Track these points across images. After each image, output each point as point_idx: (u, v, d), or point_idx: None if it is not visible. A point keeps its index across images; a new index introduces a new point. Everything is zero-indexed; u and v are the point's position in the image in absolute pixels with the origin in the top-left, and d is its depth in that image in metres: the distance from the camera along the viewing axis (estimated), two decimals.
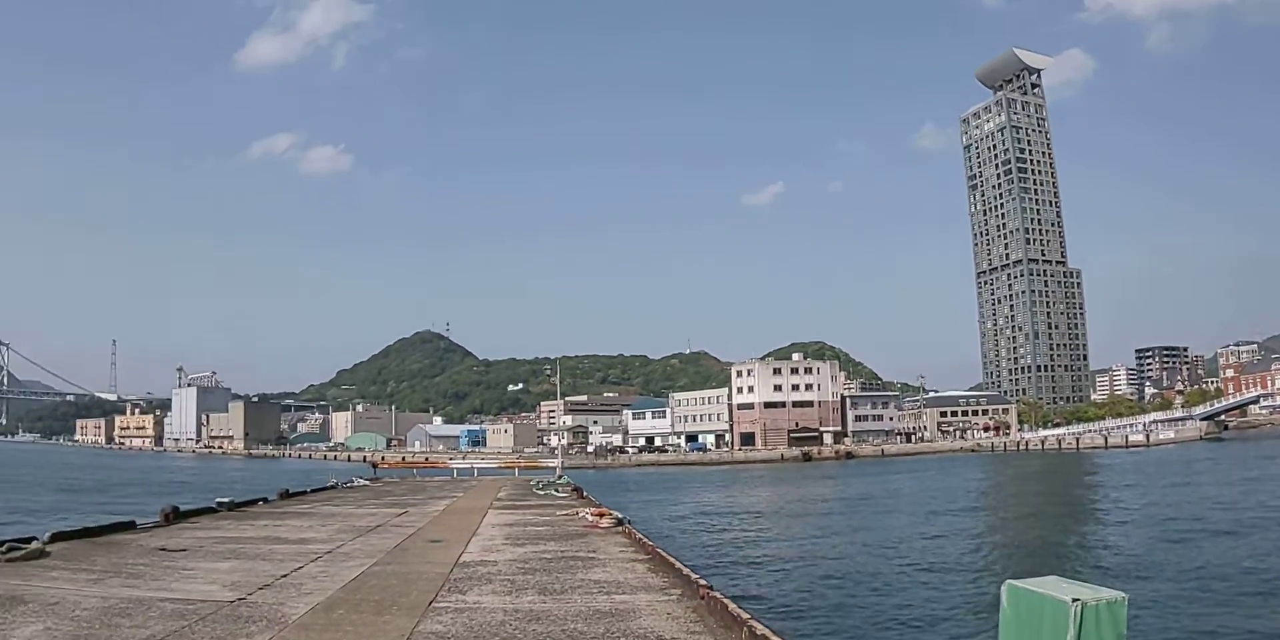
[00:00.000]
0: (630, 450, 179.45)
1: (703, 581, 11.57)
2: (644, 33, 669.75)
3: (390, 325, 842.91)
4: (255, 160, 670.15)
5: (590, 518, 22.05)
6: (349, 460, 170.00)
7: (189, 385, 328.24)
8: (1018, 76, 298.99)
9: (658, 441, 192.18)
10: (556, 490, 37.51)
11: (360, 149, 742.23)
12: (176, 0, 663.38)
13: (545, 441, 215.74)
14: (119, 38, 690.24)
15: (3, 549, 13.95)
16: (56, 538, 16.37)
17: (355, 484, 44.73)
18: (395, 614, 10.29)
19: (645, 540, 16.98)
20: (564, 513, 24.88)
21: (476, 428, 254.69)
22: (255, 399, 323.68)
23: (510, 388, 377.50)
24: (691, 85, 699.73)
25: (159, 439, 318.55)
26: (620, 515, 21.80)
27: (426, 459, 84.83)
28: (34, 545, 14.62)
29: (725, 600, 10.06)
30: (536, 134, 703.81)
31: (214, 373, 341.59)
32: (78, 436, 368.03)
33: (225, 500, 26.01)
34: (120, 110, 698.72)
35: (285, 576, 13.07)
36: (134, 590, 11.57)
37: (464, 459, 79.08)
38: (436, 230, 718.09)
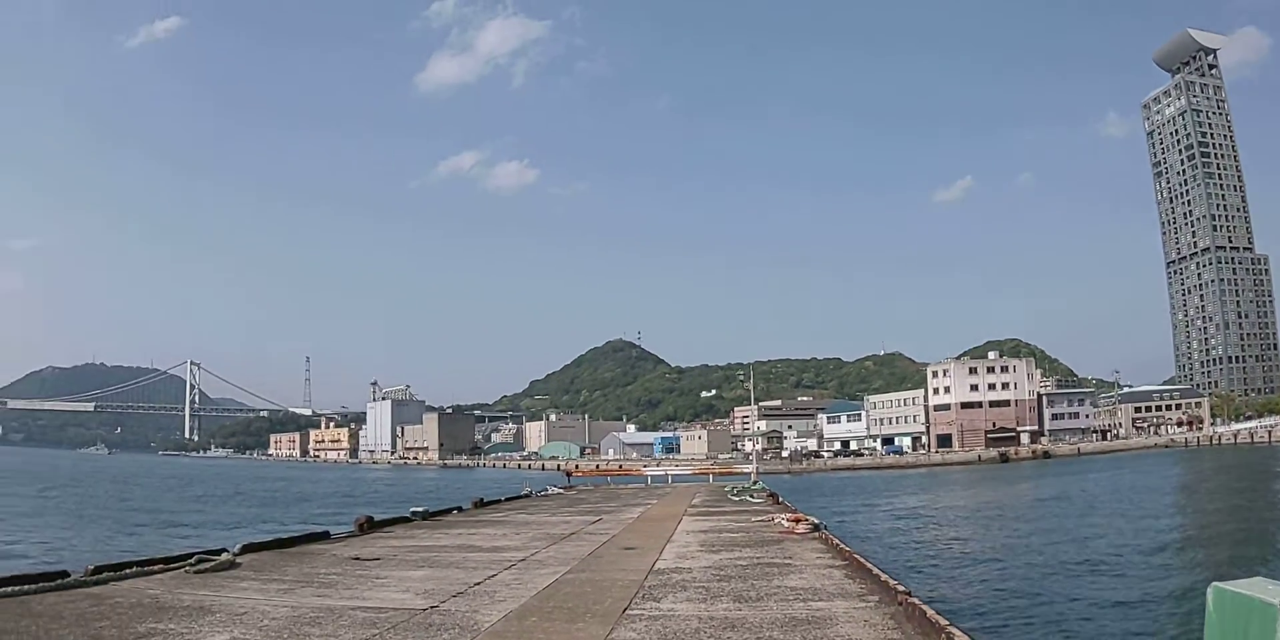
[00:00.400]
0: (825, 454, 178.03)
1: (901, 587, 10.80)
2: (821, 45, 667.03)
3: (581, 335, 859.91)
4: (443, 179, 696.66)
5: (786, 523, 21.13)
6: (543, 469, 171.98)
7: (383, 398, 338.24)
8: (1194, 58, 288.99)
9: (853, 445, 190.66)
10: (752, 496, 36.61)
11: (545, 163, 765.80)
12: (356, 28, 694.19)
13: (739, 447, 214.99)
14: (305, 76, 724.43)
15: (192, 561, 13.84)
16: (248, 549, 16.30)
17: (549, 492, 44.78)
18: (589, 621, 9.79)
19: (842, 545, 16.07)
20: (759, 519, 24.03)
21: (670, 435, 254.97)
22: (449, 410, 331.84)
23: (703, 394, 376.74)
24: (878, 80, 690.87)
25: (354, 451, 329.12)
26: (816, 520, 20.90)
27: (620, 466, 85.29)
28: (224, 556, 14.49)
29: (923, 606, 9.34)
30: (719, 142, 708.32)
31: (408, 386, 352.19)
32: (271, 451, 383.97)
33: (419, 509, 26.05)
34: (311, 143, 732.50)
35: (478, 584, 12.71)
36: (324, 599, 11.32)
37: (658, 466, 78.91)
38: (623, 239, 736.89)
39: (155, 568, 13.40)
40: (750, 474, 57.89)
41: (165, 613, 10.17)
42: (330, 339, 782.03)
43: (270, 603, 10.99)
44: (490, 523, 25.20)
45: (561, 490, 47.28)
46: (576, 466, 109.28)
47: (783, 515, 23.39)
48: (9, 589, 10.78)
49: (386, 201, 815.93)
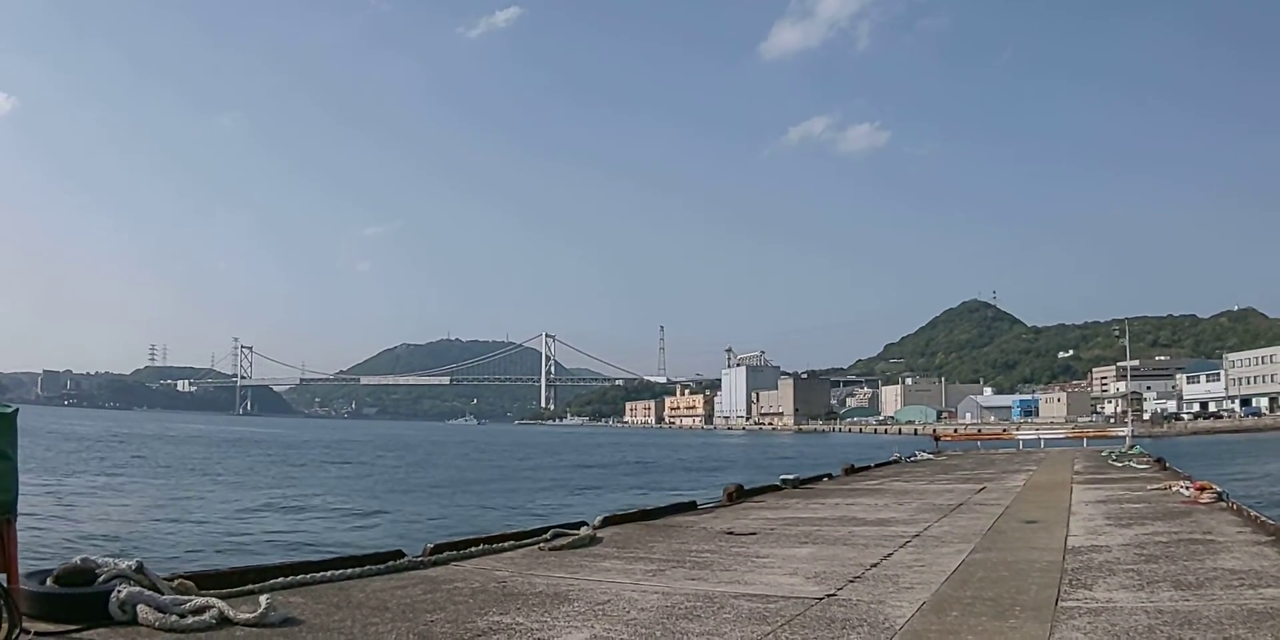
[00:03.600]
0: (1185, 417, 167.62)
1: None
2: None
3: (937, 296, 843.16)
4: (794, 146, 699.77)
5: (1187, 492, 18.56)
6: (899, 433, 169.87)
7: (738, 365, 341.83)
8: None
9: (1211, 407, 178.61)
10: (1134, 462, 33.51)
11: (897, 124, 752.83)
12: (692, 3, 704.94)
13: (1098, 410, 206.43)
14: (643, 55, 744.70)
15: (547, 536, 12.05)
16: (609, 521, 14.52)
17: (919, 458, 42.87)
18: (1021, 617, 7.59)
19: (1264, 518, 13.46)
20: (1155, 487, 21.20)
21: (1028, 397, 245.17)
22: (804, 375, 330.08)
23: (1060, 355, 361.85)
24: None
25: (708, 418, 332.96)
26: (1220, 489, 17.97)
27: (979, 430, 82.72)
28: (584, 531, 12.69)
29: None
30: (1065, 91, 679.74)
31: (762, 352, 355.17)
32: (626, 418, 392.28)
33: (789, 477, 23.99)
34: (653, 121, 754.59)
35: (875, 566, 10.50)
36: (700, 583, 9.29)
37: (1029, 430, 75.86)
38: (982, 196, 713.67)
39: (505, 544, 11.62)
40: (1126, 438, 55.54)
41: (512, 601, 8.30)
42: (684, 307, 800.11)
43: (637, 588, 9.05)
44: (866, 491, 23.12)
45: (931, 455, 45.23)
46: (953, 430, 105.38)
47: (1178, 482, 20.98)
48: (327, 573, 8.94)
49: (737, 171, 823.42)
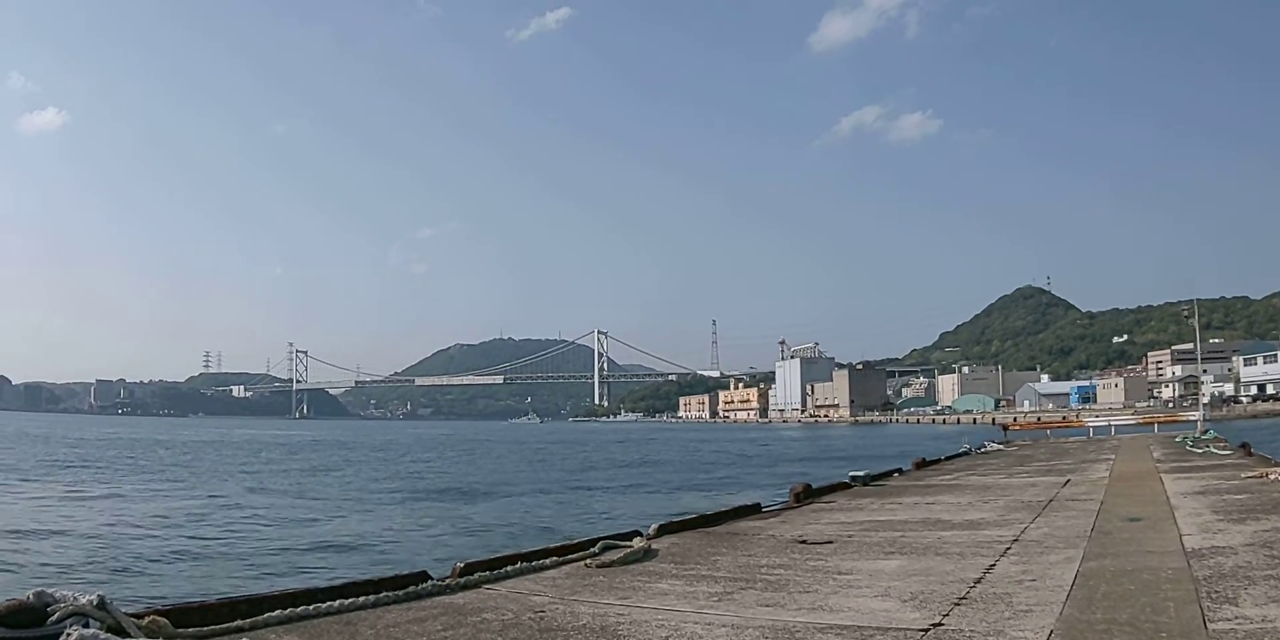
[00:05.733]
0: (1243, 400, 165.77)
1: None
2: None
3: (990, 283, 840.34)
4: (846, 136, 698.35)
5: None
6: (957, 422, 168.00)
7: (791, 357, 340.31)
8: None
9: (1269, 389, 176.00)
10: (1214, 447, 32.25)
11: (949, 112, 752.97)
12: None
13: (1156, 394, 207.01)
14: (692, 50, 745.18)
15: (595, 549, 10.46)
16: (665, 529, 12.82)
17: (988, 448, 41.43)
18: None
19: None
20: (1250, 474, 19.53)
21: (1086, 384, 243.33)
22: (859, 366, 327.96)
23: (1114, 340, 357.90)
24: None
25: (763, 411, 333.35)
26: None
27: (1039, 419, 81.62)
28: (637, 542, 10.99)
29: None
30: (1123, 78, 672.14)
31: (815, 344, 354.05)
32: (681, 413, 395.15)
33: (859, 473, 22.17)
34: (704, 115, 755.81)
35: (978, 581, 8.69)
36: (777, 611, 7.55)
37: (1092, 416, 74.53)
38: (1034, 182, 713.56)
39: (547, 561, 9.97)
40: (1197, 422, 53.79)
41: (550, 638, 6.65)
42: (736, 300, 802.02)
43: (701, 619, 7.27)
44: (944, 487, 21.42)
45: (1001, 446, 43.79)
46: (1014, 419, 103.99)
47: (1273, 469, 19.52)
48: (333, 603, 7.45)
49: (789, 162, 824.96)
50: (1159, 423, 60.90)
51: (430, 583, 8.50)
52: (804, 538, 12.31)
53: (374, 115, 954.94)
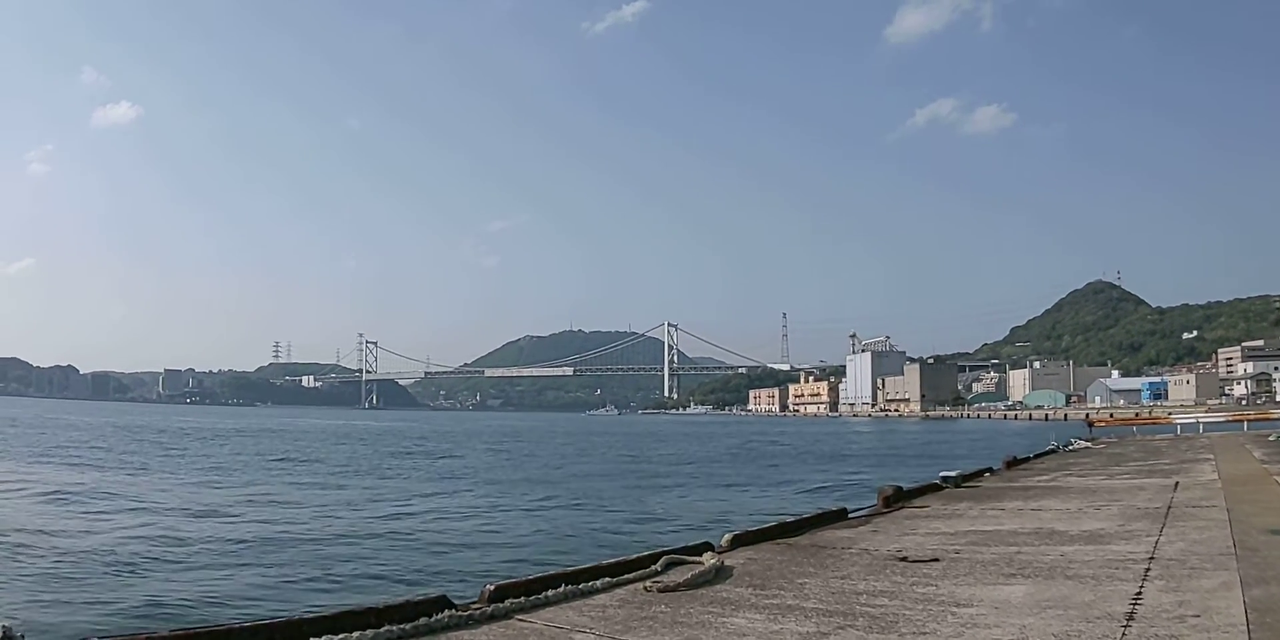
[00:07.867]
0: None
1: None
2: None
3: (1062, 278, 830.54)
4: (920, 128, 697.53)
5: None
6: (1029, 418, 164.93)
7: (862, 351, 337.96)
8: None
9: None
10: None
11: (1023, 106, 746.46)
12: None
13: (1228, 391, 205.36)
14: (766, 45, 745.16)
15: (657, 566, 8.63)
16: (740, 541, 10.89)
17: (1075, 446, 39.47)
18: None
19: None
20: None
21: (1157, 380, 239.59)
22: (930, 361, 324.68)
23: (1184, 335, 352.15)
24: None
25: (833, 405, 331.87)
26: None
27: (1135, 415, 79.65)
28: (707, 559, 9.10)
29: None
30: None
31: (887, 337, 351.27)
32: (751, 406, 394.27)
33: (951, 473, 20.10)
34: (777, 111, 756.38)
35: (1130, 617, 6.71)
36: None
37: (1188, 413, 73.12)
38: (1107, 175, 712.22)
39: (597, 583, 8.07)
40: None
41: None
42: (807, 294, 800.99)
43: None
44: (1042, 490, 19.35)
45: (1088, 443, 41.54)
46: (1110, 414, 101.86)
47: None
48: None
49: (860, 157, 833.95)
50: (1249, 420, 58.34)
51: (448, 614, 6.70)
52: (904, 554, 10.37)
53: (446, 109, 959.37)
